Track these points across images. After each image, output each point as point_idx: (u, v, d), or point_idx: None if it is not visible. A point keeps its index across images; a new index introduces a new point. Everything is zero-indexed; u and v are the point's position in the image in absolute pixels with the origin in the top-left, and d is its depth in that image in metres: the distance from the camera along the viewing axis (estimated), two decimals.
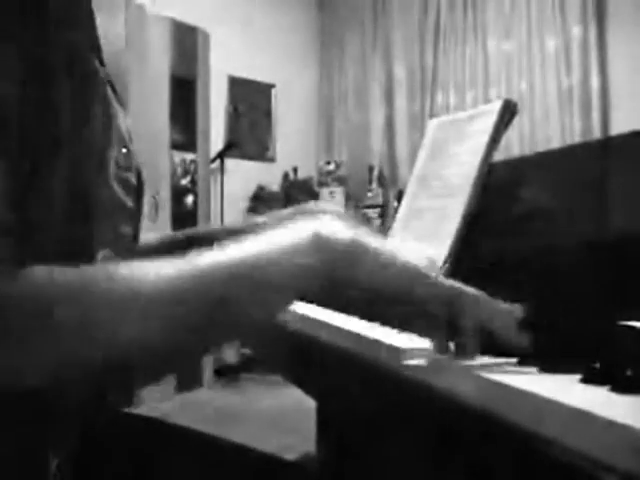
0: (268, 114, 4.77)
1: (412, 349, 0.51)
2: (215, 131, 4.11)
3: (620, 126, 3.12)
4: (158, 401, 2.78)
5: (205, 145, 3.72)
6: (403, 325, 0.49)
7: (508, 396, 0.38)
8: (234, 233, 0.52)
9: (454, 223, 0.82)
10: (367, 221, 4.18)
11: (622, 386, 0.36)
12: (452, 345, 0.48)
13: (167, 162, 3.39)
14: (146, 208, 3.08)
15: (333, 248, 0.44)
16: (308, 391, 0.79)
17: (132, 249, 0.62)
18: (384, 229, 3.63)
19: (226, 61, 4.32)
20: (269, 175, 4.60)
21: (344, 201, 4.39)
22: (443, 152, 0.94)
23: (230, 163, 4.27)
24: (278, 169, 4.67)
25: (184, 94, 3.54)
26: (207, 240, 0.48)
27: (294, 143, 4.82)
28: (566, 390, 0.37)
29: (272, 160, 4.75)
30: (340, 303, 0.49)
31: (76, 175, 0.46)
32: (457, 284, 0.47)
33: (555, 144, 3.35)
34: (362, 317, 0.51)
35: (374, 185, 4.29)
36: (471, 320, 0.46)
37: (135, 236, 0.63)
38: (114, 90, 0.55)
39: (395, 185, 4.24)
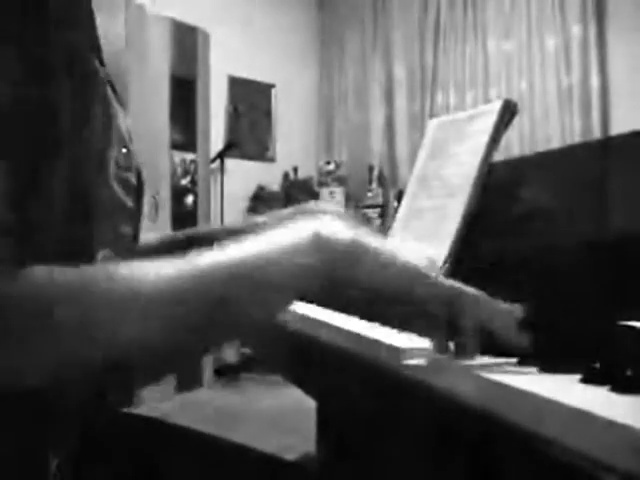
0: (268, 114, 4.78)
1: (412, 349, 0.51)
2: (215, 131, 4.11)
3: (620, 126, 3.12)
4: (158, 401, 2.78)
5: (205, 145, 3.72)
6: (403, 325, 0.49)
7: (508, 396, 0.38)
8: (234, 233, 0.52)
9: (454, 223, 0.82)
10: (367, 221, 4.18)
11: (622, 386, 0.36)
12: (452, 345, 0.48)
13: (167, 162, 3.39)
14: (146, 208, 3.08)
15: (333, 248, 0.44)
16: (308, 391, 0.79)
17: (132, 249, 0.62)
18: (384, 229, 3.63)
19: (226, 61, 4.32)
20: (269, 175, 4.60)
21: (344, 201, 4.39)
22: (443, 152, 0.94)
23: (230, 163, 4.27)
24: (278, 169, 4.67)
25: (184, 94, 3.54)
26: (207, 240, 0.48)
27: (294, 143, 4.82)
28: (566, 390, 0.37)
29: (272, 160, 4.76)
30: (340, 303, 0.50)
31: (76, 175, 0.46)
32: (457, 284, 0.47)
33: (555, 144, 3.35)
34: (362, 317, 0.51)
35: (374, 185, 4.29)
36: (471, 320, 0.46)
37: (135, 236, 0.63)
38: (114, 90, 0.55)
39: (395, 185, 4.24)
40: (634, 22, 3.14)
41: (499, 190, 0.85)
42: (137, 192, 0.59)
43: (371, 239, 0.46)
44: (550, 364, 0.43)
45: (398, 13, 4.40)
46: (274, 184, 4.59)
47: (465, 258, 0.79)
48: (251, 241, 0.43)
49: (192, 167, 3.63)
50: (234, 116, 4.57)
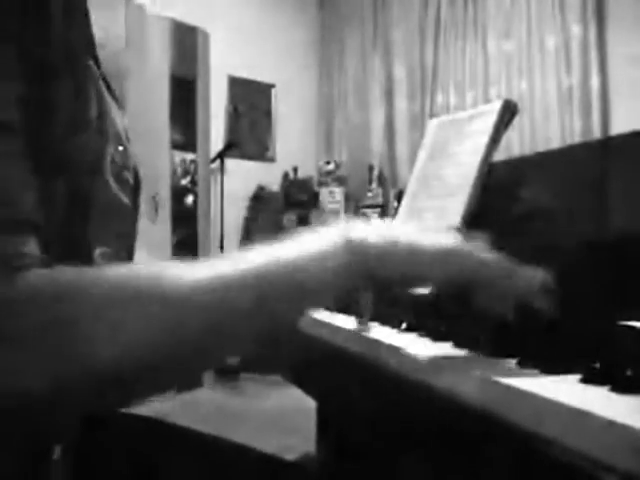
0: (268, 114, 4.78)
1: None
2: (215, 131, 4.11)
3: (620, 126, 3.12)
4: (158, 401, 2.78)
5: (205, 145, 3.73)
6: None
7: (508, 396, 0.38)
8: None
9: (454, 223, 0.82)
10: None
11: (622, 386, 0.36)
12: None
13: (167, 162, 3.39)
14: (145, 207, 3.08)
15: (365, 249, 0.45)
16: (308, 391, 0.79)
17: (130, 247, 0.62)
18: None
19: (226, 61, 4.32)
20: (269, 175, 4.60)
21: (344, 201, 4.39)
22: (443, 152, 0.94)
23: (230, 163, 4.27)
24: (278, 169, 4.67)
25: (184, 94, 3.54)
26: None
27: (294, 143, 4.82)
28: (566, 390, 0.37)
29: (272, 160, 4.76)
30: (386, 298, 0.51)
31: (74, 173, 0.46)
32: (482, 250, 0.48)
33: (555, 144, 3.34)
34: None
35: (374, 185, 4.29)
36: (502, 289, 0.48)
37: (133, 234, 0.63)
38: (109, 88, 0.55)
39: (395, 185, 4.24)
40: (634, 22, 3.14)
41: (499, 190, 0.85)
42: (134, 190, 0.59)
43: (398, 232, 0.47)
44: (550, 364, 0.43)
45: (398, 13, 4.40)
46: (274, 184, 4.59)
47: None
48: (282, 246, 0.44)
49: (192, 167, 3.63)
50: (234, 116, 4.57)
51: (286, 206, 4.39)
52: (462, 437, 0.43)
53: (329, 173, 4.53)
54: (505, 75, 3.74)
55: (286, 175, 4.64)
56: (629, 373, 0.38)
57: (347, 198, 4.42)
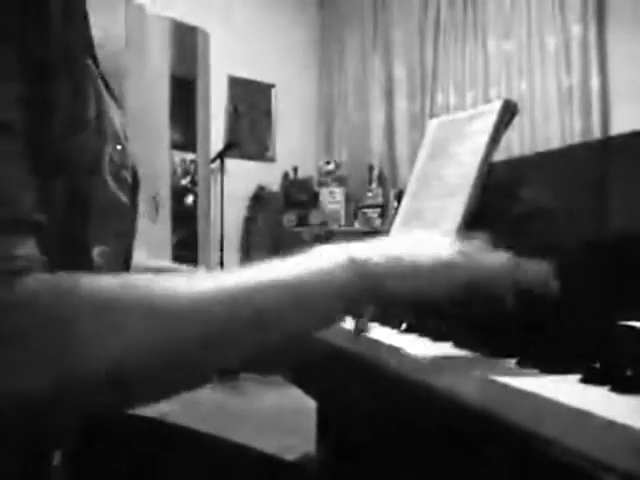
0: (268, 114, 4.78)
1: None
2: (215, 131, 4.11)
3: (620, 126, 3.12)
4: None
5: (205, 145, 3.73)
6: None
7: (508, 396, 0.38)
8: None
9: (454, 223, 0.82)
10: (367, 221, 4.18)
11: (622, 386, 0.36)
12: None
13: (167, 162, 3.39)
14: (146, 208, 3.08)
15: (369, 268, 0.45)
16: (308, 391, 0.79)
17: (129, 247, 0.63)
18: (384, 229, 3.63)
19: (226, 61, 4.32)
20: (269, 175, 4.60)
21: (344, 201, 4.39)
22: (443, 152, 0.94)
23: (230, 163, 4.27)
24: (278, 169, 4.67)
25: (184, 94, 3.54)
26: None
27: (294, 143, 4.82)
28: (566, 390, 0.37)
29: (272, 160, 4.76)
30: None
31: (73, 172, 0.46)
32: (483, 259, 0.48)
33: (555, 144, 3.34)
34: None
35: (374, 185, 4.29)
36: (509, 291, 0.48)
37: (132, 233, 0.63)
38: (107, 87, 0.55)
39: (395, 185, 4.24)
40: (634, 22, 3.14)
41: (499, 190, 0.85)
42: (133, 189, 0.60)
43: (399, 249, 0.48)
44: (550, 364, 0.43)
45: (398, 13, 4.40)
46: (274, 184, 4.59)
47: None
48: (284, 262, 0.44)
49: (192, 167, 3.63)
50: (234, 116, 4.57)
51: (286, 206, 4.39)
52: (462, 437, 0.43)
53: (329, 173, 4.53)
54: (505, 75, 3.74)
55: (286, 175, 4.64)
56: (629, 373, 0.38)
57: (347, 198, 4.43)
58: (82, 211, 0.48)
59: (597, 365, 0.41)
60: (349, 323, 0.64)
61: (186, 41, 3.56)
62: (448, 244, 0.49)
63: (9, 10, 0.42)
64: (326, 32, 4.98)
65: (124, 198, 0.56)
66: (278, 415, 2.67)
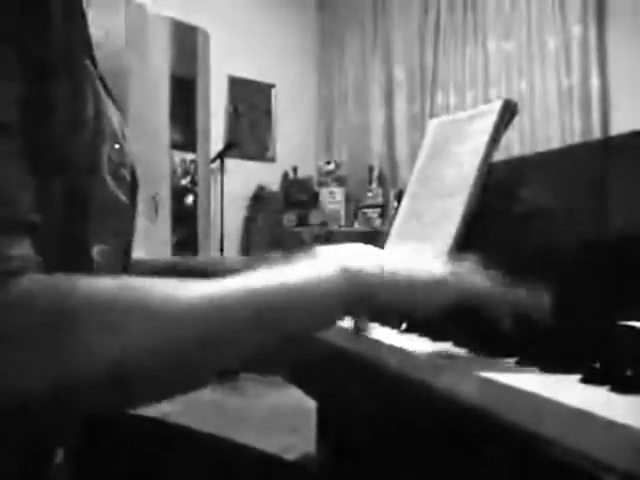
0: (268, 114, 4.78)
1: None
2: (215, 131, 4.11)
3: (620, 126, 3.12)
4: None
5: (205, 145, 3.73)
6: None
7: (508, 396, 0.38)
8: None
9: (454, 223, 0.82)
10: (367, 221, 4.18)
11: (622, 386, 0.36)
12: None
13: (167, 162, 3.39)
14: (146, 208, 3.08)
15: (362, 278, 0.45)
16: (308, 391, 0.79)
17: (128, 245, 0.63)
18: (384, 229, 3.63)
19: (226, 61, 4.32)
20: (269, 175, 4.60)
21: (344, 201, 4.39)
22: (443, 152, 0.94)
23: (230, 163, 4.27)
24: (278, 169, 4.67)
25: (184, 94, 3.54)
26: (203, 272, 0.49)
27: (294, 143, 4.82)
28: (566, 390, 0.37)
29: (272, 160, 4.76)
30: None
31: (71, 172, 0.46)
32: (476, 279, 0.48)
33: (555, 144, 3.34)
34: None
35: (374, 185, 4.29)
36: (496, 313, 0.48)
37: (131, 232, 0.63)
38: (105, 86, 0.56)
39: (395, 185, 4.24)
40: (634, 23, 3.14)
41: (499, 190, 0.85)
42: (131, 188, 0.60)
43: (394, 262, 0.48)
44: (550, 364, 0.43)
45: (398, 14, 4.40)
46: (274, 184, 4.59)
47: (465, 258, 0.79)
48: (279, 269, 0.44)
49: (192, 167, 3.63)
50: (234, 116, 4.57)
51: (286, 206, 4.39)
52: (462, 437, 0.43)
53: (329, 173, 4.53)
54: (505, 75, 3.74)
55: (286, 175, 4.64)
56: (629, 373, 0.38)
57: (347, 198, 4.43)
58: (81, 210, 0.48)
59: (597, 365, 0.41)
60: (348, 322, 0.64)
61: (186, 41, 3.56)
62: (441, 264, 0.49)
63: (8, 10, 0.42)
64: (326, 32, 4.98)
65: (123, 197, 0.56)
66: (278, 415, 2.68)
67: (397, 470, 0.51)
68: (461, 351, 0.52)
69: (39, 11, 0.44)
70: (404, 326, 0.63)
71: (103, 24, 0.55)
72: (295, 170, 4.63)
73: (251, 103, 4.66)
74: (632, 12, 3.16)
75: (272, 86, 4.77)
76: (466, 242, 0.81)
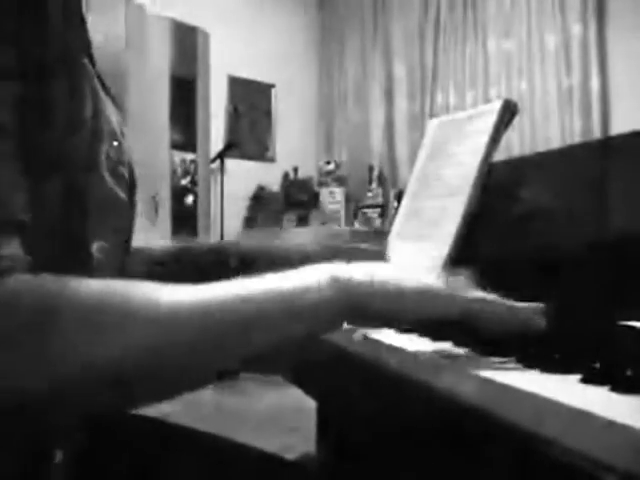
0: (268, 114, 4.78)
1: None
2: (215, 131, 4.11)
3: (620, 126, 3.12)
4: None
5: (205, 145, 3.73)
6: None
7: (508, 396, 0.38)
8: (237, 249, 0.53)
9: (454, 223, 0.82)
10: (367, 221, 4.18)
11: (622, 386, 0.36)
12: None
13: (167, 162, 3.39)
14: (146, 208, 3.08)
15: (352, 287, 0.45)
16: (308, 391, 0.79)
17: (127, 243, 0.63)
18: (384, 229, 3.63)
19: (226, 61, 4.32)
20: (269, 175, 4.60)
21: (344, 201, 4.39)
22: (443, 152, 0.94)
23: (230, 163, 4.27)
24: (278, 169, 4.68)
25: (184, 94, 3.54)
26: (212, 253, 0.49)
27: (294, 143, 4.82)
28: (566, 390, 0.37)
29: (272, 160, 4.76)
30: None
31: (70, 170, 0.47)
32: (467, 293, 0.48)
33: (555, 144, 3.34)
34: None
35: (374, 185, 4.29)
36: (485, 326, 0.48)
37: (129, 229, 0.63)
38: (103, 84, 0.56)
39: (395, 185, 4.24)
40: (634, 22, 3.14)
41: (499, 190, 0.85)
42: (130, 185, 0.60)
43: (385, 272, 0.48)
44: (550, 364, 0.43)
45: (398, 13, 4.41)
46: (274, 184, 4.59)
47: (465, 258, 0.79)
48: (265, 278, 0.44)
49: (192, 167, 3.63)
50: (234, 116, 4.57)
51: (286, 206, 4.39)
52: (462, 437, 0.43)
53: (329, 173, 4.53)
54: (505, 75, 3.74)
55: (286, 175, 4.64)
56: (629, 373, 0.38)
57: (347, 198, 4.43)
58: (80, 207, 0.48)
59: (597, 365, 0.41)
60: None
61: (186, 41, 3.56)
62: (434, 277, 0.49)
63: (7, 10, 0.42)
64: (326, 32, 4.98)
65: (122, 194, 0.56)
66: (278, 415, 2.68)
67: (397, 470, 0.51)
68: (461, 351, 0.52)
69: (37, 11, 0.44)
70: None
71: (102, 28, 0.55)
72: (295, 170, 4.63)
73: (251, 103, 4.66)
74: (632, 11, 3.16)
75: (272, 86, 4.77)
76: (466, 242, 0.81)
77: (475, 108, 0.97)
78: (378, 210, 4.20)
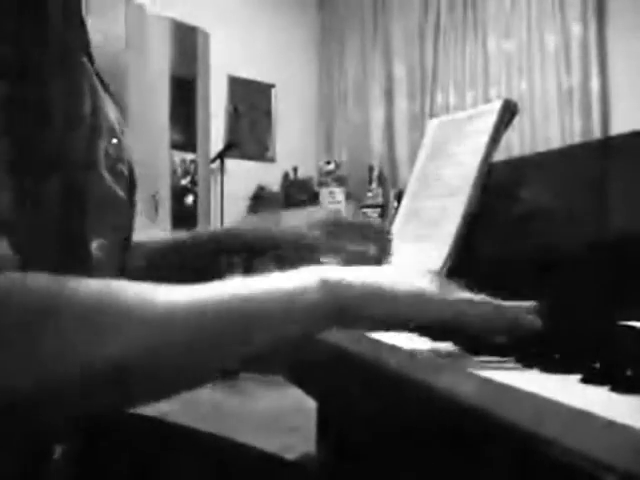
0: (268, 114, 4.78)
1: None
2: (215, 131, 4.11)
3: (620, 126, 3.12)
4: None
5: (205, 145, 3.73)
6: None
7: (508, 396, 0.38)
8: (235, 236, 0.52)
9: (454, 223, 0.82)
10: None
11: (622, 386, 0.36)
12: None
13: (167, 162, 3.39)
14: (146, 207, 3.08)
15: (342, 291, 0.45)
16: (308, 391, 0.79)
17: (127, 240, 0.63)
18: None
19: (226, 61, 4.32)
20: (269, 175, 4.60)
21: (344, 201, 4.39)
22: (443, 152, 0.94)
23: (230, 163, 4.27)
24: (278, 169, 4.68)
25: (184, 94, 3.54)
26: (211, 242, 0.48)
27: (294, 143, 4.82)
28: (566, 390, 0.37)
29: (272, 160, 4.76)
30: None
31: (68, 168, 0.46)
32: (460, 295, 0.48)
33: (555, 144, 3.35)
34: None
35: (374, 185, 4.29)
36: (477, 329, 0.48)
37: (129, 227, 0.63)
38: (102, 82, 0.56)
39: (395, 185, 4.24)
40: (634, 22, 3.14)
41: (499, 190, 0.85)
42: (129, 183, 0.60)
43: (377, 275, 0.48)
44: (550, 364, 0.43)
45: (398, 13, 4.41)
46: (274, 184, 4.59)
47: (465, 258, 0.79)
48: (256, 282, 0.44)
49: (192, 167, 3.63)
50: (234, 116, 4.57)
51: (286, 206, 4.39)
52: (462, 437, 0.43)
53: (329, 173, 4.53)
54: (505, 75, 3.74)
55: (286, 175, 4.64)
56: (629, 373, 0.38)
57: (347, 198, 4.43)
58: (79, 205, 0.48)
59: (597, 365, 0.41)
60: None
61: (186, 41, 3.56)
62: (427, 281, 0.49)
63: (6, 10, 0.42)
64: (326, 32, 4.98)
65: (121, 192, 0.56)
66: (278, 415, 2.68)
67: (397, 470, 0.51)
68: (461, 351, 0.52)
69: (37, 11, 0.44)
70: None
71: (102, 28, 0.55)
72: (295, 170, 4.63)
73: (251, 103, 4.66)
74: (632, 11, 3.16)
75: (272, 86, 4.77)
76: (466, 242, 0.81)
77: (475, 108, 0.97)
78: (378, 210, 4.20)
